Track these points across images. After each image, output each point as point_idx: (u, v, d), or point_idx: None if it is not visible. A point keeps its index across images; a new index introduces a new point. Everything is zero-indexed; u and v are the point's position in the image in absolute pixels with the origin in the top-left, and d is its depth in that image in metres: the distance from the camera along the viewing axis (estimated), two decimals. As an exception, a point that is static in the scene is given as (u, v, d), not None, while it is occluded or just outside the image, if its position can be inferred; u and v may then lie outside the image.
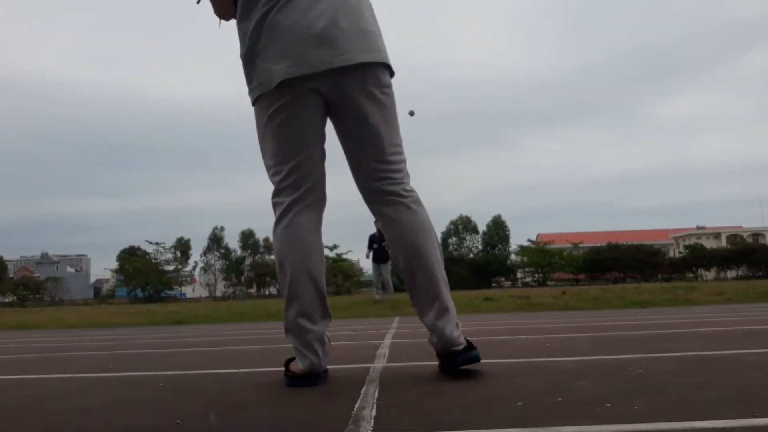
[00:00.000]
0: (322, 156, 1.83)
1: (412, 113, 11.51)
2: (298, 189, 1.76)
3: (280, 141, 1.74)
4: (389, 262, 11.31)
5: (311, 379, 1.74)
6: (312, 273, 1.76)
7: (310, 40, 1.66)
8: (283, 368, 1.86)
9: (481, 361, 1.80)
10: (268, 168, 1.81)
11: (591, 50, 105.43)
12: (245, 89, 1.80)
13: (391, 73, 1.81)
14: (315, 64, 1.65)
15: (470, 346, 1.77)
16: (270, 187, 1.82)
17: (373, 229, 11.26)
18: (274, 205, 1.80)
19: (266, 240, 55.72)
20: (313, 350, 1.75)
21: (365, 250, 11.41)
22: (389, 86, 1.79)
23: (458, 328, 1.79)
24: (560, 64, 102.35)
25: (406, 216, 1.80)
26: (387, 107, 1.77)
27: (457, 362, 1.75)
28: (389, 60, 1.78)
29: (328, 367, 1.85)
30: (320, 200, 1.83)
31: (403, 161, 1.84)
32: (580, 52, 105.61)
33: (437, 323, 1.77)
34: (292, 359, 1.84)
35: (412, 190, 1.86)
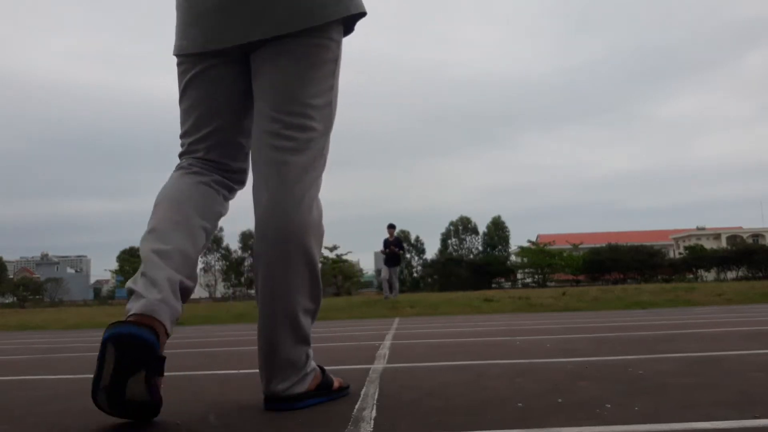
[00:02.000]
0: (243, 132, 1.52)
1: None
2: (209, 152, 1.50)
3: (188, 107, 1.50)
4: (398, 267, 11.55)
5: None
6: (188, 219, 1.39)
7: (222, 7, 1.41)
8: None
9: (482, 361, 1.80)
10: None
11: (591, 50, 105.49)
12: None
13: (348, 27, 1.50)
14: (229, 37, 1.41)
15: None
16: None
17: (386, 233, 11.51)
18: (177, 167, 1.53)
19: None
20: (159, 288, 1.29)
21: (367, 251, 11.76)
22: (323, 43, 1.43)
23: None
24: (561, 64, 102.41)
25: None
26: (308, 61, 1.41)
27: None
28: (328, 16, 1.41)
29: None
30: (230, 183, 1.54)
31: (310, 127, 1.43)
32: (580, 52, 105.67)
33: None
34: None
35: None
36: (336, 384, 1.51)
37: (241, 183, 1.59)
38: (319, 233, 1.43)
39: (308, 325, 1.41)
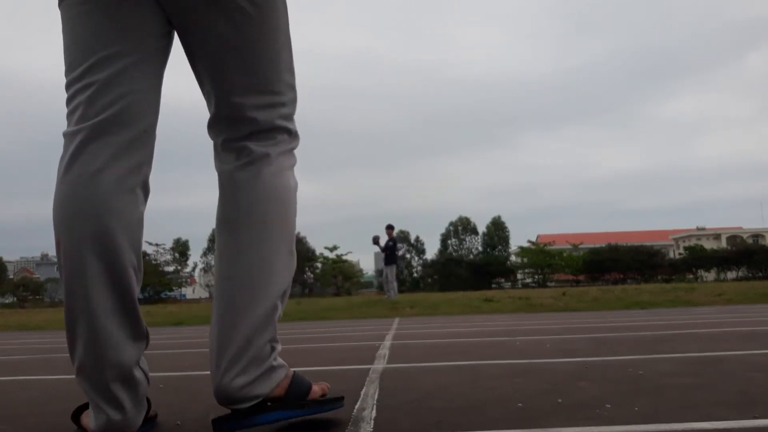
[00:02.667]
0: (151, 77, 1.15)
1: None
2: (98, 114, 1.09)
3: (78, 36, 1.12)
4: (394, 265, 11.56)
5: None
6: (109, 255, 1.06)
7: None
8: None
9: (482, 362, 1.79)
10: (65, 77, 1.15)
11: (591, 51, 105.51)
12: None
13: None
14: None
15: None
16: None
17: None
18: (64, 138, 1.14)
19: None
20: (114, 401, 1.06)
21: (367, 251, 11.85)
22: None
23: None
24: (561, 64, 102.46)
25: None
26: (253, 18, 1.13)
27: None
28: None
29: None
30: (141, 144, 1.12)
31: (293, 101, 1.24)
32: (580, 52, 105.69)
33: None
34: (85, 407, 1.18)
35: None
36: (318, 391, 1.22)
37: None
38: (293, 209, 1.22)
39: (276, 310, 1.15)
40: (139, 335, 1.11)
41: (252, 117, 1.18)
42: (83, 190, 1.07)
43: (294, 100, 1.23)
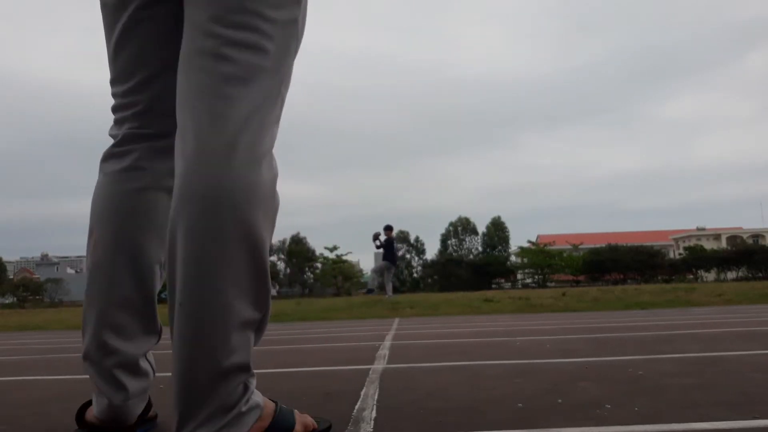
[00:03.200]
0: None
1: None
2: (138, 118, 1.13)
3: (120, 50, 1.13)
4: (393, 266, 11.54)
5: None
6: (137, 252, 1.09)
7: None
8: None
9: (482, 362, 1.79)
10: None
11: (592, 50, 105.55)
12: None
13: None
14: None
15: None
16: None
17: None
18: (111, 137, 1.18)
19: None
20: (116, 384, 1.06)
21: (367, 251, 11.78)
22: None
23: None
24: (561, 64, 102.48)
25: None
26: None
27: None
28: None
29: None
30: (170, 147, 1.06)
31: (263, 48, 1.00)
32: (581, 53, 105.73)
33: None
34: (88, 404, 1.15)
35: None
36: (300, 428, 1.04)
37: None
38: (271, 206, 0.98)
39: (246, 342, 0.94)
40: (152, 330, 1.12)
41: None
42: (120, 186, 1.11)
43: (264, 37, 1.02)
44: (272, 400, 1.03)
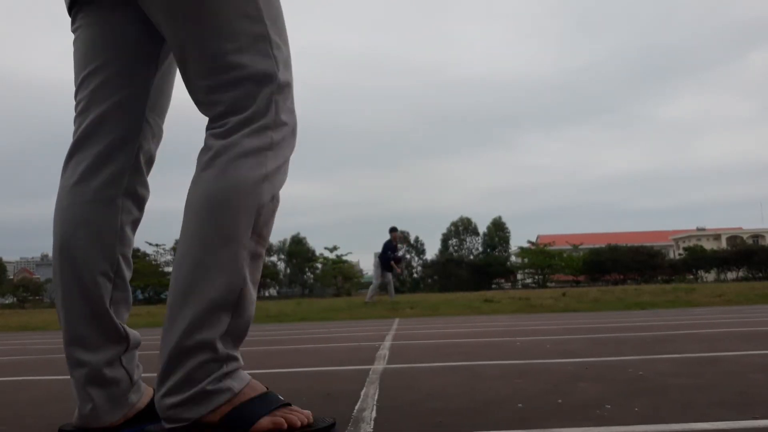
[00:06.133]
0: (138, 82, 1.19)
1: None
2: (78, 128, 1.19)
3: (75, 59, 1.21)
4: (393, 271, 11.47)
5: None
6: (76, 264, 1.14)
7: None
8: None
9: (482, 362, 1.79)
10: None
11: (592, 51, 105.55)
12: None
13: None
14: None
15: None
16: None
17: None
18: None
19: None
20: (84, 395, 1.12)
21: (367, 252, 11.62)
22: None
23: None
24: (561, 64, 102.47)
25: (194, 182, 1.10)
26: None
27: None
28: None
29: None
30: (119, 153, 1.17)
31: (239, 80, 1.09)
32: (581, 53, 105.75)
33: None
34: None
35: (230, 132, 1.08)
36: (268, 425, 1.03)
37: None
38: (255, 202, 1.06)
39: (214, 322, 1.01)
40: (115, 338, 1.15)
41: (202, 103, 1.13)
42: (60, 202, 1.19)
43: (235, 68, 1.09)
44: (265, 392, 1.07)
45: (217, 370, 1.02)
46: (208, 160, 1.08)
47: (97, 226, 1.15)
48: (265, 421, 1.03)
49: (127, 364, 1.16)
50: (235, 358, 1.06)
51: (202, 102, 1.12)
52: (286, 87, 1.12)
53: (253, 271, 1.07)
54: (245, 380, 1.06)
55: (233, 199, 1.04)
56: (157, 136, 1.27)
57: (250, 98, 1.09)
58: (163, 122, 1.28)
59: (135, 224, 1.23)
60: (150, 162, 1.25)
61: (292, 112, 1.14)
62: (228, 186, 1.05)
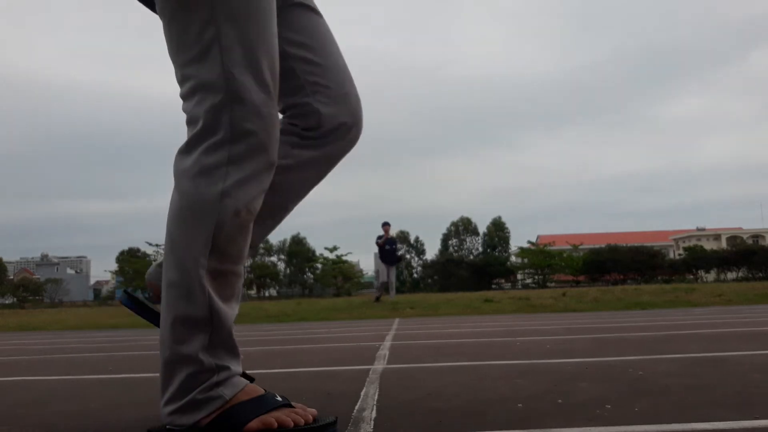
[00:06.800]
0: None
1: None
2: None
3: None
4: (395, 265, 11.44)
5: None
6: None
7: None
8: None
9: (482, 362, 1.79)
10: None
11: (593, 51, 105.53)
12: None
13: None
14: None
15: None
16: None
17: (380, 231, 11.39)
18: None
19: (265, 242, 55.67)
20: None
21: (367, 252, 11.59)
22: None
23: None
24: (562, 64, 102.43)
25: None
26: (164, 16, 1.11)
27: None
28: None
29: (326, 368, 1.47)
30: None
31: (193, 90, 1.08)
32: (581, 53, 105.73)
33: None
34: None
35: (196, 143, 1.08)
36: (257, 426, 1.04)
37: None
38: (211, 219, 1.05)
39: (189, 337, 1.05)
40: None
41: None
42: None
43: (186, 81, 1.09)
44: (260, 395, 1.09)
45: (206, 380, 1.05)
46: (174, 177, 1.09)
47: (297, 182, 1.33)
48: (255, 423, 1.04)
49: None
50: (227, 368, 1.08)
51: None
52: (246, 93, 1.06)
53: (220, 288, 1.07)
54: (239, 386, 1.09)
55: (187, 219, 1.06)
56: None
57: (200, 111, 1.06)
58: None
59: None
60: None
61: (262, 117, 1.07)
62: (183, 205, 1.06)
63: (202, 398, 1.05)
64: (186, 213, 1.06)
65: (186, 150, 1.09)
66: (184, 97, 1.10)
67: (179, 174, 1.08)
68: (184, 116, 1.12)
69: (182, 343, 1.05)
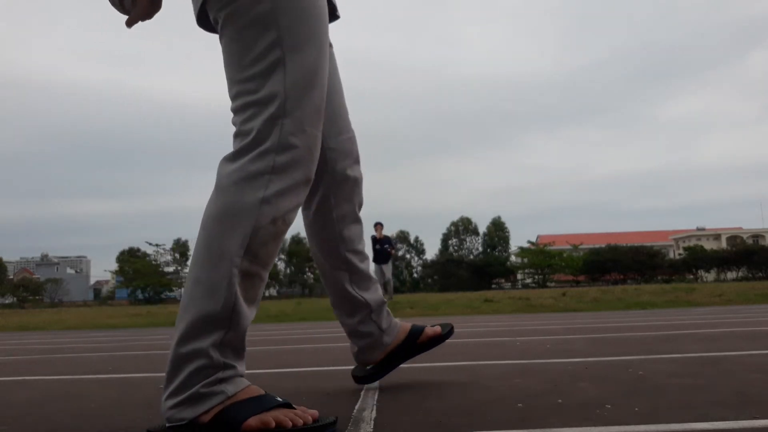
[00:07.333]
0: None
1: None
2: None
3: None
4: (390, 262, 11.44)
5: None
6: (320, 266, 1.61)
7: None
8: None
9: (482, 362, 1.79)
10: None
11: (593, 50, 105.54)
12: None
13: None
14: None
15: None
16: None
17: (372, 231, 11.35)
18: None
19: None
20: (352, 343, 1.73)
21: (369, 253, 11.56)
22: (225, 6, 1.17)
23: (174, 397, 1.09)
24: (562, 64, 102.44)
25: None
26: (226, 35, 1.20)
27: None
28: None
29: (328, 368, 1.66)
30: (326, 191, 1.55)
31: (247, 105, 1.16)
32: (582, 52, 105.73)
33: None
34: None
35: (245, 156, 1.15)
36: (256, 425, 1.06)
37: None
38: (250, 223, 1.11)
39: (202, 332, 1.09)
40: (360, 306, 1.60)
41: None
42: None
43: (240, 96, 1.17)
44: (261, 395, 1.12)
45: (211, 375, 1.09)
46: (216, 182, 1.16)
47: (320, 239, 1.52)
48: (254, 421, 1.06)
49: (376, 318, 1.60)
50: (233, 367, 1.12)
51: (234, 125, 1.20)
52: (297, 108, 1.15)
53: (246, 289, 1.12)
54: (241, 386, 1.12)
55: (226, 220, 1.11)
56: (344, 151, 1.48)
57: (253, 122, 1.14)
58: (342, 135, 1.49)
59: (354, 222, 1.53)
60: (345, 178, 1.49)
61: (306, 133, 1.16)
62: (224, 207, 1.12)
63: (205, 392, 1.07)
64: (226, 214, 1.12)
65: (233, 158, 1.15)
66: (237, 110, 1.18)
67: (224, 177, 1.14)
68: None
69: (197, 338, 1.09)
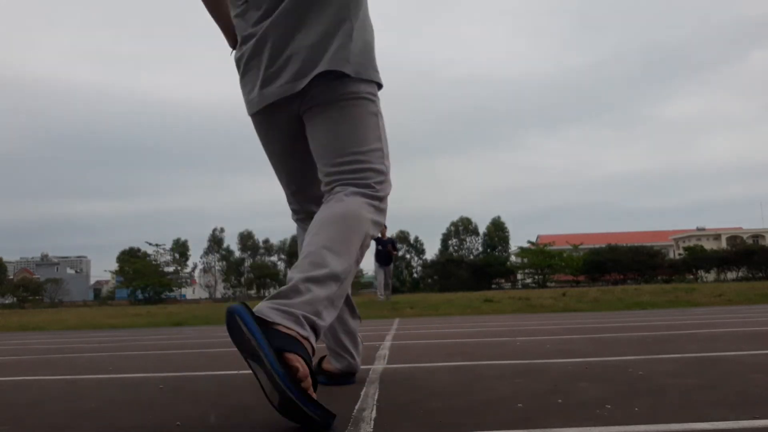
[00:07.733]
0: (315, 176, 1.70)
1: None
2: (297, 213, 1.88)
3: (272, 164, 1.81)
4: (392, 265, 11.50)
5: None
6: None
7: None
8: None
9: (482, 362, 1.79)
10: None
11: (593, 50, 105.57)
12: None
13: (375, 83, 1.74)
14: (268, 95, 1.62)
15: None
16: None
17: None
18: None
19: (265, 241, 55.74)
20: (345, 349, 1.82)
21: (367, 252, 11.65)
22: (350, 95, 1.62)
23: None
24: (561, 64, 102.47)
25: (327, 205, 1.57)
26: (341, 115, 1.61)
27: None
28: (342, 66, 1.60)
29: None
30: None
31: (369, 169, 1.60)
32: (582, 52, 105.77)
33: None
34: (321, 360, 1.87)
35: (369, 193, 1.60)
36: (305, 378, 1.19)
37: None
38: (364, 230, 1.52)
39: (330, 286, 1.37)
40: (355, 315, 1.84)
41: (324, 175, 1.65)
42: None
43: (373, 162, 1.62)
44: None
45: (304, 292, 1.32)
46: (343, 196, 1.55)
47: None
48: (306, 384, 1.19)
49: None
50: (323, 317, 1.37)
51: (324, 175, 1.62)
52: (389, 172, 1.66)
53: (355, 266, 1.49)
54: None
55: (355, 221, 1.51)
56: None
57: (371, 179, 1.59)
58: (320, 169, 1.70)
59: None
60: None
61: (389, 193, 1.65)
62: (355, 213, 1.52)
63: (300, 314, 1.27)
64: (352, 226, 1.49)
65: (353, 193, 1.56)
66: (349, 171, 1.59)
67: (355, 199, 1.54)
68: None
69: (322, 287, 1.35)
